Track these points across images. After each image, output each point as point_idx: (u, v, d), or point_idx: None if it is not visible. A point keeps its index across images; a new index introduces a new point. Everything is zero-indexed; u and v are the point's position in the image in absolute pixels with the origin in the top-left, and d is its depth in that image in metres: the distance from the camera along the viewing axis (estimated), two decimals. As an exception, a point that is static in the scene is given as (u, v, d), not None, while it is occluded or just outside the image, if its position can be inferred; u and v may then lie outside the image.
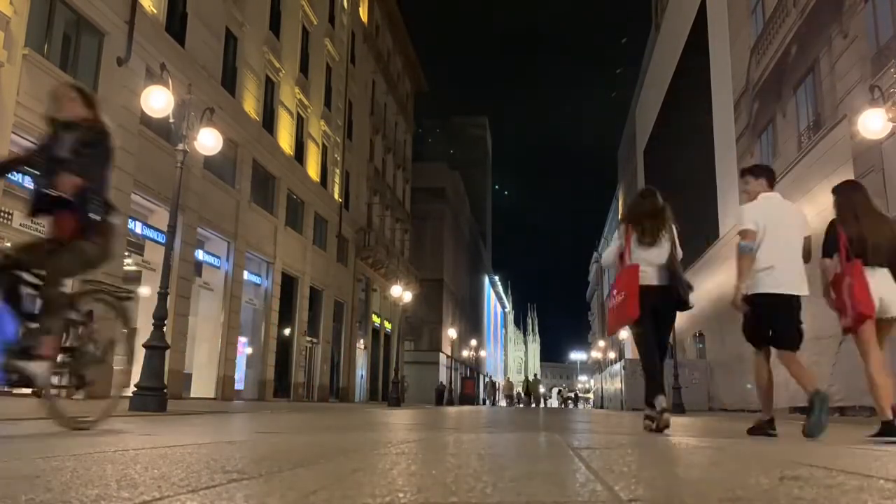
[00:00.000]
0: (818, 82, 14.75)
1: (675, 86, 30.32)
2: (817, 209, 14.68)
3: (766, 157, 17.94)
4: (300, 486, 1.72)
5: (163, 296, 8.05)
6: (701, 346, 27.15)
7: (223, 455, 2.52)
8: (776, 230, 4.83)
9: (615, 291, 5.20)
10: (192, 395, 16.59)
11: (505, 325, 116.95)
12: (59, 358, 3.69)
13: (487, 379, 59.77)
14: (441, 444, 3.65)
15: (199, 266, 17.09)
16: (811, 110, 15.24)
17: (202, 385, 17.19)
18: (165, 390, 7.87)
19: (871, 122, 9.35)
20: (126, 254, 13.71)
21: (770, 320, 4.81)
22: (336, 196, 27.48)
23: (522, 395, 48.99)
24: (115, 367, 4.24)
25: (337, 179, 27.64)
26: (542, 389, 54.34)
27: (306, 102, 24.10)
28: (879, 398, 4.41)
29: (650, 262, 5.13)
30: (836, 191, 5.08)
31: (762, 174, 5.22)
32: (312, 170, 24.86)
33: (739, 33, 20.22)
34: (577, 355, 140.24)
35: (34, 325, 3.48)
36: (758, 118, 18.74)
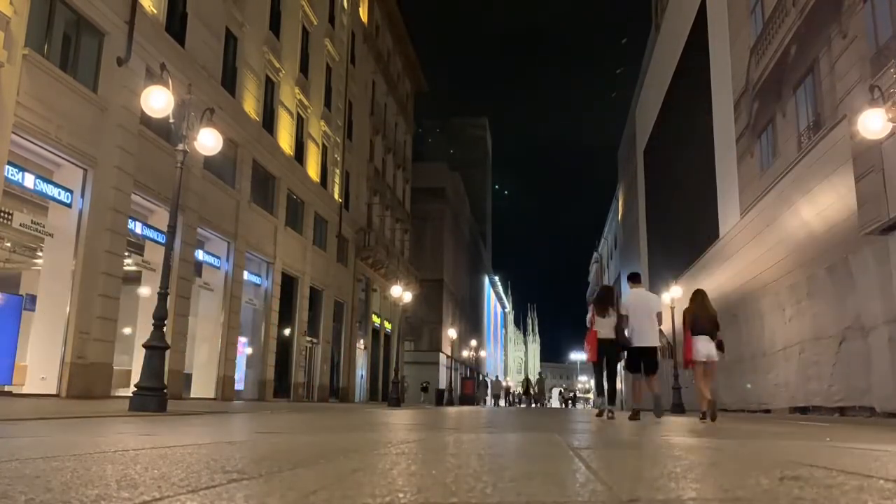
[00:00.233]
0: (818, 82, 14.74)
1: (675, 86, 30.29)
2: (817, 209, 14.71)
3: (767, 156, 17.93)
4: (300, 486, 1.72)
5: (163, 296, 8.05)
6: (701, 346, 27.10)
7: (223, 455, 2.52)
8: (637, 310, 8.96)
9: (586, 343, 9.45)
10: (192, 395, 16.59)
11: (505, 326, 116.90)
12: None
13: (482, 378, 59.71)
14: (441, 444, 3.65)
15: (199, 266, 17.08)
16: (811, 110, 15.22)
17: (202, 385, 17.19)
18: (165, 390, 7.87)
19: (871, 122, 9.33)
20: (126, 254, 13.71)
21: (640, 359, 8.94)
22: (336, 196, 27.47)
23: (522, 394, 48.91)
24: None
25: (337, 179, 27.64)
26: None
27: (306, 102, 24.10)
28: (700, 400, 8.63)
29: (603, 326, 9.17)
30: (692, 298, 8.95)
31: (631, 279, 9.84)
32: (312, 170, 24.85)
33: (739, 33, 20.21)
34: (577, 355, 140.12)
35: None
36: (758, 118, 18.72)
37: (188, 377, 16.73)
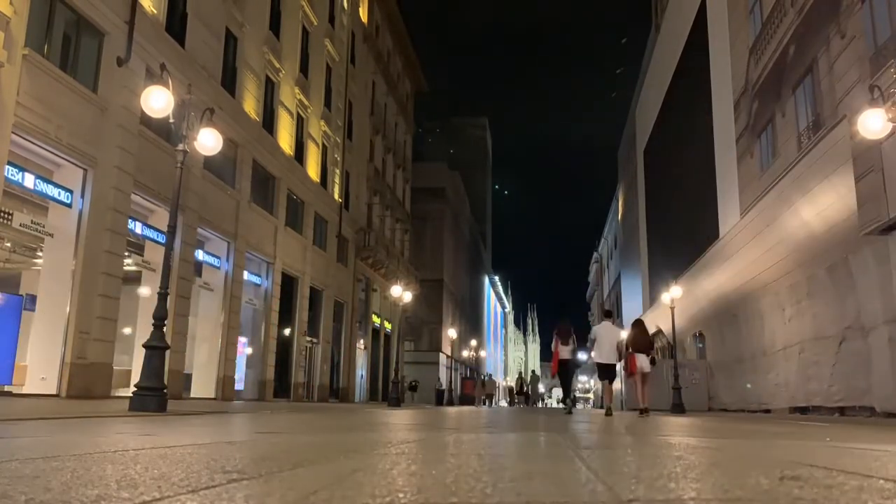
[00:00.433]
0: (817, 82, 14.73)
1: (675, 86, 30.28)
2: (817, 209, 14.70)
3: (766, 156, 17.92)
4: (300, 486, 1.72)
5: (163, 296, 8.04)
6: (701, 345, 27.13)
7: (223, 455, 2.52)
8: (603, 338, 12.29)
9: (552, 361, 13.35)
10: (192, 395, 16.59)
11: (505, 326, 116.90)
12: None
13: (479, 378, 59.53)
14: (441, 444, 3.65)
15: (199, 266, 17.07)
16: (810, 110, 15.21)
17: (202, 385, 17.19)
18: (165, 390, 7.87)
19: (871, 122, 9.33)
20: (126, 254, 13.71)
21: (605, 372, 12.46)
22: (336, 196, 27.47)
23: (516, 392, 48.65)
24: None
25: (337, 179, 27.63)
26: (541, 388, 54.03)
27: (306, 103, 24.10)
28: (638, 400, 12.43)
29: (564, 351, 12.99)
30: (633, 325, 13.06)
31: (606, 315, 13.91)
32: (312, 170, 24.85)
33: (739, 33, 20.20)
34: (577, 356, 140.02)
35: None
36: (757, 118, 18.71)
37: (188, 377, 16.73)
